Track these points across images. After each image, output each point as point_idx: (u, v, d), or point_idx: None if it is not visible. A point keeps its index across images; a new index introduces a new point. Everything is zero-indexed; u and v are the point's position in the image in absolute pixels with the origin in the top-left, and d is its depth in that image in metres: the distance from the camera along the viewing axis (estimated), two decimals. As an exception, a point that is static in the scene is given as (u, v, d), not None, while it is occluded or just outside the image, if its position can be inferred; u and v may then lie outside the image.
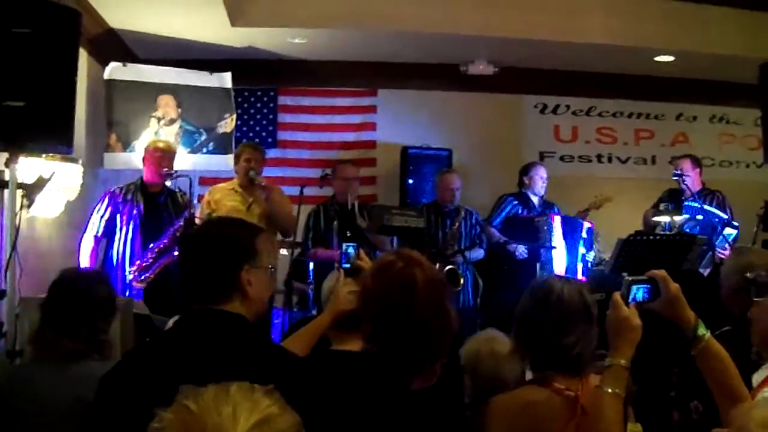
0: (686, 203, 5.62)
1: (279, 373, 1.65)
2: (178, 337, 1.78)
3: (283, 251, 5.27)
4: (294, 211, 5.09)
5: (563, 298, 1.95)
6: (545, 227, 5.46)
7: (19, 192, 3.53)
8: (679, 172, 5.69)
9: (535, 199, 5.84)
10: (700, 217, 5.48)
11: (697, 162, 5.81)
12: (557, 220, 5.54)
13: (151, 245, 4.56)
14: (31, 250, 4.17)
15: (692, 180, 5.68)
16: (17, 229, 3.45)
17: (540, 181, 5.84)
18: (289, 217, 5.04)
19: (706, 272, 5.11)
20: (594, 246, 5.62)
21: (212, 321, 1.75)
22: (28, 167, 3.80)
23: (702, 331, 1.79)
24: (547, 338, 1.93)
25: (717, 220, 5.47)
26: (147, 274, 4.53)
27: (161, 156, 4.71)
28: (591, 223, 5.66)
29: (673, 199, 5.75)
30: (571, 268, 5.46)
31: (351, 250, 2.40)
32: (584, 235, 5.63)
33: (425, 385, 1.83)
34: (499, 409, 1.93)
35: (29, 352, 2.42)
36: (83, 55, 5.18)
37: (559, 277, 2.12)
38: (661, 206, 5.68)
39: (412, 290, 1.82)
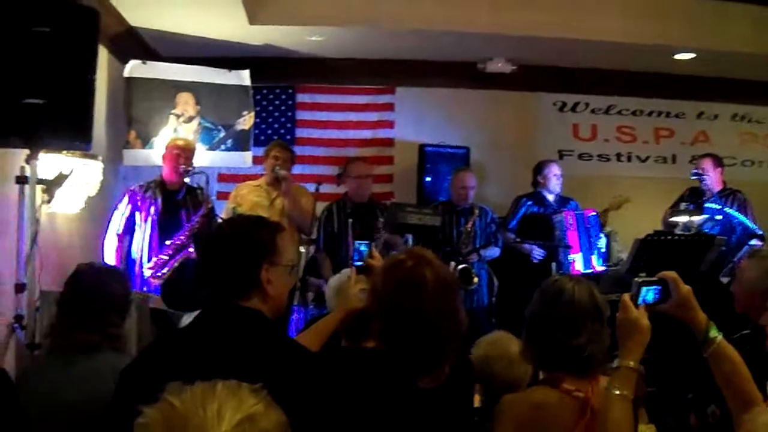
0: (707, 205, 5.54)
1: (294, 369, 1.67)
2: (197, 332, 1.79)
3: (301, 248, 5.29)
4: (312, 208, 5.09)
5: (574, 299, 1.94)
6: (559, 224, 5.42)
7: (39, 188, 3.58)
8: (698, 171, 5.63)
9: (550, 197, 5.79)
10: (719, 217, 5.42)
11: (718, 161, 5.72)
12: (571, 217, 5.48)
13: (168, 242, 4.60)
14: (52, 245, 4.23)
15: (712, 180, 5.61)
16: (37, 224, 3.50)
17: (554, 178, 5.77)
18: (304, 213, 5.04)
19: (725, 281, 5.06)
20: (603, 232, 5.57)
21: (231, 317, 1.77)
22: (49, 163, 3.86)
23: (714, 333, 1.77)
24: (558, 339, 1.92)
25: (735, 221, 5.40)
26: (164, 270, 4.56)
27: (179, 153, 4.75)
28: (593, 210, 5.59)
29: (695, 198, 5.68)
30: (587, 262, 5.42)
31: (363, 248, 2.40)
32: (588, 225, 5.55)
33: (434, 384, 1.83)
34: (508, 409, 1.93)
35: (45, 344, 2.46)
36: (104, 53, 5.24)
37: (570, 276, 2.11)
38: (682, 205, 5.61)
39: (422, 291, 1.82)
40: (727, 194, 5.65)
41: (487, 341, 2.62)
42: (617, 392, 1.70)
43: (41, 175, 3.60)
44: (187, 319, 3.15)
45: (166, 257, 4.57)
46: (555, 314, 1.95)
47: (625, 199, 5.75)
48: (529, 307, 2.04)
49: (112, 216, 4.75)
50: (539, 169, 5.87)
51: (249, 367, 1.17)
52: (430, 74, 6.84)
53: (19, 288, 3.43)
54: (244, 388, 1.03)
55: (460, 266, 4.92)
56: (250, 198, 5.11)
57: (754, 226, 5.41)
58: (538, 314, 2.01)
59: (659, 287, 1.78)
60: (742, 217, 5.44)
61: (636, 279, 1.79)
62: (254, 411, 1.00)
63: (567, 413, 1.85)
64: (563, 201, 5.83)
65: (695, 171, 5.65)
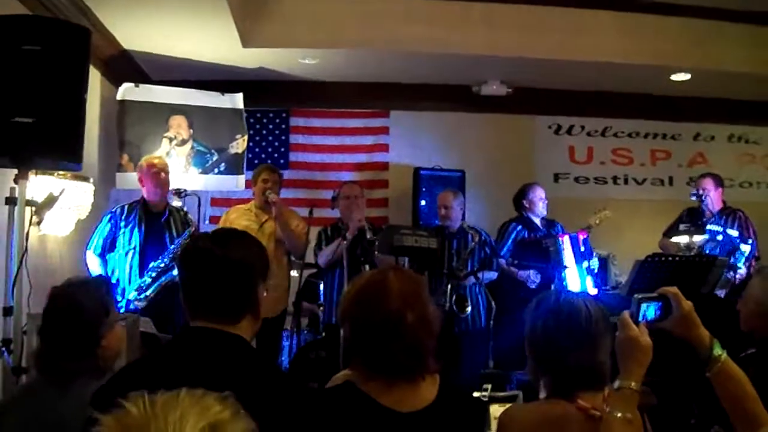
0: (708, 227, 5.47)
1: (279, 396, 1.59)
2: (175, 357, 1.70)
3: (293, 272, 5.22)
4: (305, 231, 5.05)
5: (592, 317, 1.84)
6: (554, 248, 5.35)
7: (29, 209, 3.52)
8: (699, 192, 5.57)
9: (537, 221, 5.70)
10: (720, 237, 5.35)
11: (719, 181, 5.68)
12: (566, 240, 5.41)
13: (152, 264, 4.51)
14: (42, 268, 4.17)
15: (713, 200, 5.56)
16: (26, 247, 3.43)
17: (540, 202, 5.68)
18: (298, 235, 5.02)
19: (722, 293, 4.99)
20: (594, 253, 5.50)
21: (215, 341, 1.69)
22: (39, 185, 3.81)
23: (718, 351, 1.68)
24: (583, 359, 1.81)
25: (739, 240, 5.34)
26: (147, 293, 4.47)
27: (157, 171, 4.62)
28: (584, 233, 5.48)
29: (693, 219, 5.62)
30: (581, 284, 5.35)
31: None
32: (582, 247, 5.43)
33: (418, 405, 1.74)
34: (516, 418, 1.84)
35: (33, 371, 2.35)
36: (97, 76, 5.23)
37: (575, 294, 2.01)
38: (681, 227, 5.55)
39: (385, 282, 1.79)
40: (728, 213, 5.60)
41: None
42: (619, 415, 1.62)
43: (31, 196, 3.55)
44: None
45: (150, 279, 4.48)
46: (575, 334, 1.83)
47: (605, 215, 5.58)
48: (539, 328, 1.90)
49: (92, 235, 4.61)
50: (523, 193, 5.75)
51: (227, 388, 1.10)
52: (424, 97, 6.83)
53: (7, 311, 3.35)
54: (209, 396, 0.98)
55: (455, 295, 4.86)
56: (239, 222, 5.04)
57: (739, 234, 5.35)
58: (553, 336, 1.86)
59: (660, 303, 1.70)
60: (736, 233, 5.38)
61: (636, 295, 1.70)
62: (220, 418, 0.95)
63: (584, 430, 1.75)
64: (550, 224, 5.75)
65: (695, 192, 5.60)
